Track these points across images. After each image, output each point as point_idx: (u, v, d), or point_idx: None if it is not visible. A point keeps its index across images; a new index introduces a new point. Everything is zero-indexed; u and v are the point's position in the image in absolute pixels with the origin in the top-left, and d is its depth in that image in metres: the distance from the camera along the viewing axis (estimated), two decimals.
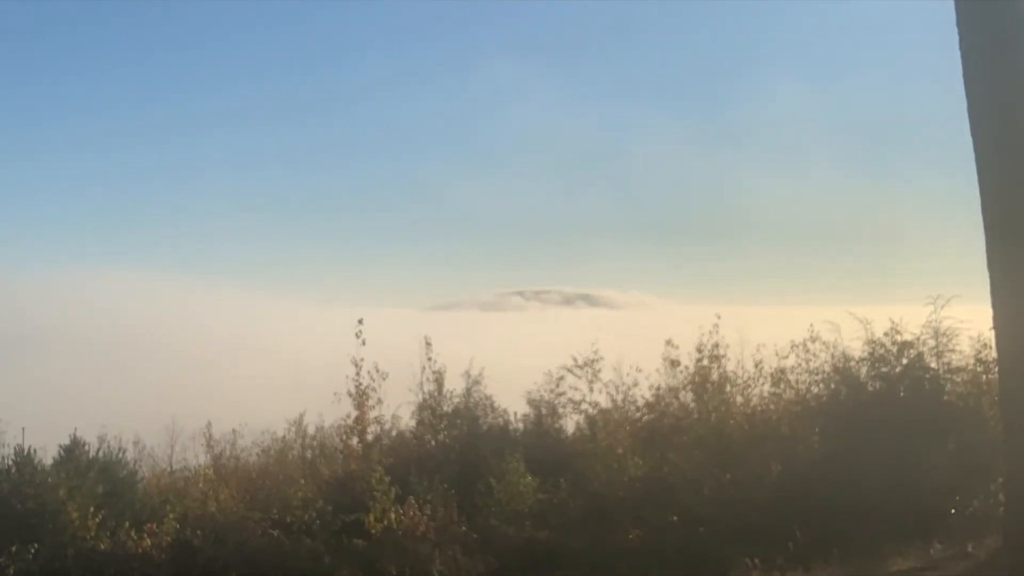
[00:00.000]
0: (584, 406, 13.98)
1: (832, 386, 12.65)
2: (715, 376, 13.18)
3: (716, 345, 13.27)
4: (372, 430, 13.91)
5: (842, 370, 12.58)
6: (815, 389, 12.92)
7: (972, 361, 12.30)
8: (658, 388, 13.49)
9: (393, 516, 11.92)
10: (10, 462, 13.30)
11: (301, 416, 17.20)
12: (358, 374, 13.47)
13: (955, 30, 9.58)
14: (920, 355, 12.25)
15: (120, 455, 14.71)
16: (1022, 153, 9.36)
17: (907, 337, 12.30)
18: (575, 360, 13.90)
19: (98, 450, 14.23)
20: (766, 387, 13.28)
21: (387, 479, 12.17)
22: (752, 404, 13.27)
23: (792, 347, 13.16)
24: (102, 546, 11.73)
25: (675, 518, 11.87)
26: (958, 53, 9.60)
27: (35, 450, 13.46)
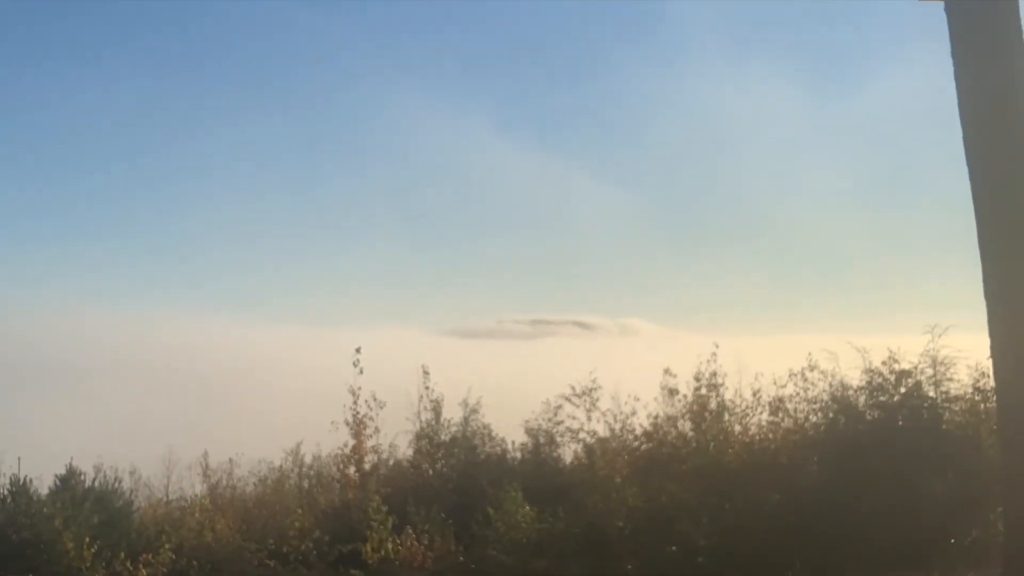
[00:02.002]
0: (582, 435, 13.93)
1: (830, 415, 12.63)
2: (713, 405, 13.14)
3: (714, 374, 13.25)
4: (369, 459, 13.90)
5: (840, 399, 12.57)
6: (813, 418, 12.89)
7: (970, 390, 12.28)
8: (656, 417, 13.45)
9: (390, 546, 11.89)
10: (6, 491, 13.27)
11: (298, 445, 17.13)
12: (355, 403, 13.46)
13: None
14: (918, 384, 12.24)
15: (116, 485, 14.67)
16: (1018, 183, 9.41)
17: (905, 366, 12.30)
18: (573, 389, 13.87)
19: (94, 480, 14.19)
20: (764, 416, 13.25)
21: (384, 509, 12.14)
22: (750, 433, 13.22)
23: (790, 376, 13.14)
24: None
25: (673, 548, 11.82)
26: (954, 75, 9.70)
27: (31, 480, 13.42)
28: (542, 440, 14.73)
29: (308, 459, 17.08)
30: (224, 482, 16.98)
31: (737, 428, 13.17)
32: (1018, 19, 9.44)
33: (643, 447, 13.37)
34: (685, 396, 13.26)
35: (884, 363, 12.38)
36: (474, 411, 14.96)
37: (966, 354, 12.17)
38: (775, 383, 13.16)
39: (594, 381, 13.76)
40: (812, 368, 12.94)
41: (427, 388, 14.67)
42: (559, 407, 14.20)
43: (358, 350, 13.49)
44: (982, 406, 12.04)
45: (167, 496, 18.01)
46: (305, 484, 16.61)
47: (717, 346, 13.49)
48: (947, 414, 12.22)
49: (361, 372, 13.51)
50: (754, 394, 13.28)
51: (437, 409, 14.79)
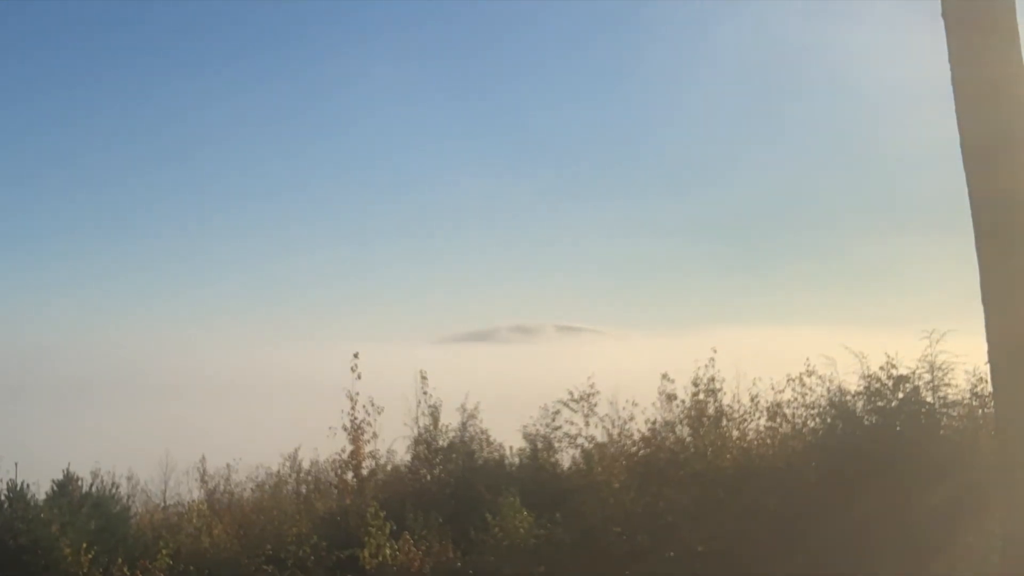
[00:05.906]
0: (580, 440, 13.93)
1: (828, 420, 12.62)
2: (711, 410, 13.15)
3: (712, 379, 13.26)
4: (367, 465, 13.89)
5: (838, 404, 12.56)
6: (811, 423, 12.88)
7: (968, 395, 12.28)
8: (654, 422, 13.46)
9: (388, 552, 11.87)
10: (3, 497, 13.26)
11: (296, 451, 17.16)
12: (353, 408, 13.46)
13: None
14: (916, 389, 12.23)
15: (113, 490, 14.68)
16: (1016, 186, 9.41)
17: (903, 371, 12.31)
18: (571, 394, 13.87)
19: (91, 485, 14.20)
20: (762, 421, 13.25)
21: (382, 514, 12.12)
22: (748, 438, 13.22)
23: (788, 381, 13.15)
24: None
25: (671, 553, 11.81)
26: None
27: (28, 485, 13.42)
28: (540, 445, 14.74)
29: (306, 464, 17.13)
30: (222, 487, 17.02)
31: (735, 433, 13.17)
32: (1015, 16, 9.46)
33: (641, 452, 13.37)
34: (683, 401, 13.28)
35: (882, 368, 12.38)
36: (472, 416, 14.98)
37: (964, 359, 12.18)
38: (773, 388, 13.18)
39: (592, 386, 13.77)
40: (810, 373, 12.96)
41: (425, 393, 14.70)
42: (557, 412, 14.22)
43: (356, 355, 13.49)
44: (980, 411, 12.04)
45: (164, 502, 18.03)
46: (303, 489, 16.63)
47: (715, 351, 13.51)
48: (945, 419, 12.22)
49: (359, 377, 13.52)
50: (752, 399, 13.30)
51: (435, 414, 14.81)
